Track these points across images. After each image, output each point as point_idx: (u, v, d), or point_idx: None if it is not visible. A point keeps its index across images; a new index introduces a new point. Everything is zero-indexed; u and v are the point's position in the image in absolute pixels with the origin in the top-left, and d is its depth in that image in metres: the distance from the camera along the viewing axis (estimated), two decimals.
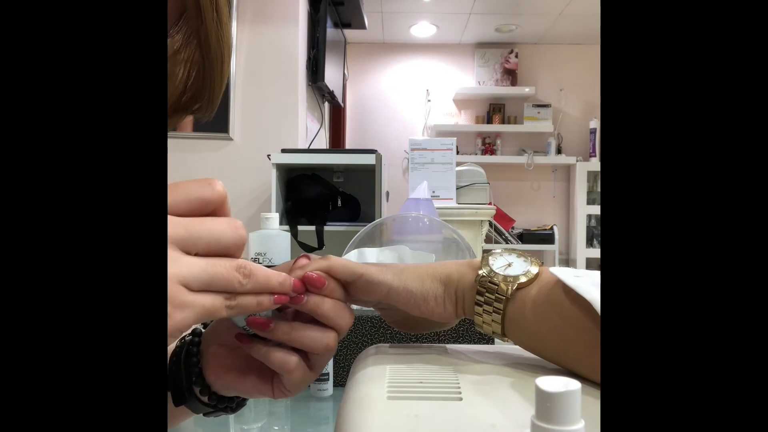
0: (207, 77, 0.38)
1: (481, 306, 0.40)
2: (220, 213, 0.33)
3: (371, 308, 0.44)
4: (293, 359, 0.37)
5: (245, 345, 0.38)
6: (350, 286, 0.40)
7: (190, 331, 0.43)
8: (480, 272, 0.41)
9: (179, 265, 0.29)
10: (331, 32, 2.78)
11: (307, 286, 0.38)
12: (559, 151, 4.08)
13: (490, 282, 0.40)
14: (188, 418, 0.45)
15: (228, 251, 0.32)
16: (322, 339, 0.37)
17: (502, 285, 0.40)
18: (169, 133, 0.39)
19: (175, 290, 0.29)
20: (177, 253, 0.30)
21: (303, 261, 0.40)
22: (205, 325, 0.44)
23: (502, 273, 0.40)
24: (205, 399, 0.41)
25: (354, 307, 0.42)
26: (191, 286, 0.30)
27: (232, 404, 0.43)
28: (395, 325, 0.46)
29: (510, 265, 0.41)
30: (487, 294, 0.40)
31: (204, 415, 0.43)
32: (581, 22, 3.67)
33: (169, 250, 0.28)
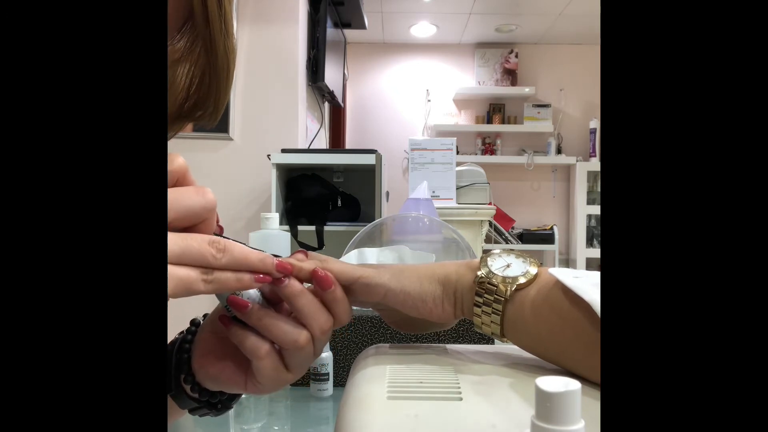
0: (213, 85, 0.38)
1: (480, 307, 0.40)
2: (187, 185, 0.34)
3: (370, 308, 0.45)
4: (265, 346, 0.37)
5: (225, 326, 0.38)
6: (348, 289, 0.40)
7: (189, 323, 0.44)
8: (479, 273, 0.41)
9: None
10: (331, 32, 2.78)
11: (315, 283, 0.38)
12: (559, 151, 4.08)
13: (489, 283, 0.40)
14: (179, 416, 0.45)
15: (200, 217, 0.33)
16: (292, 334, 0.37)
17: (501, 286, 0.40)
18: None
19: None
20: None
21: (300, 255, 0.40)
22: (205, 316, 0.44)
23: (501, 274, 0.40)
24: (188, 389, 0.41)
25: (353, 307, 0.42)
26: None
27: (215, 400, 0.42)
28: (394, 325, 0.46)
29: (509, 266, 0.41)
30: (486, 295, 0.40)
31: (190, 412, 0.43)
32: (581, 22, 3.67)
33: None
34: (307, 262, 0.39)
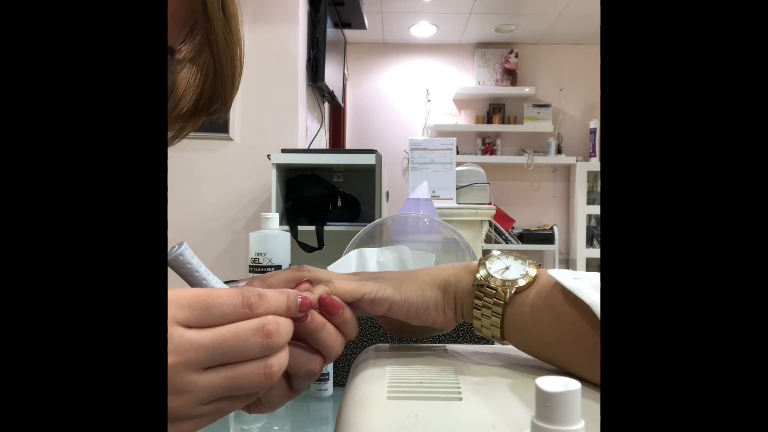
0: (218, 77, 0.39)
1: (479, 310, 0.40)
2: None
3: None
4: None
5: None
6: (353, 305, 0.40)
7: None
8: (477, 276, 0.41)
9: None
10: (331, 32, 2.78)
11: (322, 309, 0.37)
12: (559, 151, 4.08)
13: (488, 286, 0.40)
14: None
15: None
16: (307, 364, 0.37)
17: (500, 289, 0.40)
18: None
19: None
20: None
21: (306, 285, 0.40)
22: None
23: (499, 277, 0.40)
24: None
25: None
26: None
27: None
28: (393, 332, 0.46)
29: (508, 268, 0.41)
30: (485, 298, 0.40)
31: None
32: (581, 22, 3.67)
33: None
34: (315, 291, 0.39)
